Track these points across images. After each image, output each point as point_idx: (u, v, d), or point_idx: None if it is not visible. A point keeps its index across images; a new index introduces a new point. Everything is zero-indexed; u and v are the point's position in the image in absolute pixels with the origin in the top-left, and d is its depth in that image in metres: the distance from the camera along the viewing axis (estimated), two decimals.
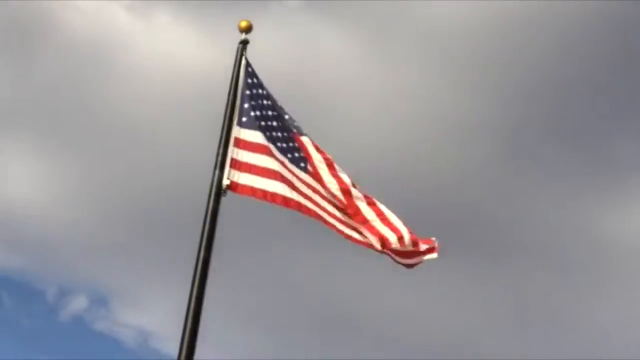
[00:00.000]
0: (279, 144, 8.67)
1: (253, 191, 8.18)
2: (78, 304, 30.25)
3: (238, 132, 8.44)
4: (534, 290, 28.07)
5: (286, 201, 8.28)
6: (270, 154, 8.46)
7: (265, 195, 8.20)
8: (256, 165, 8.31)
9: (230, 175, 8.12)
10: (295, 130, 8.98)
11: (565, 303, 28.30)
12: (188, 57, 26.21)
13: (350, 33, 27.78)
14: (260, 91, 8.85)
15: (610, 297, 27.87)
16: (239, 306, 25.00)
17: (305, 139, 8.99)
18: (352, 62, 26.92)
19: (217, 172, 8.06)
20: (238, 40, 9.02)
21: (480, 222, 27.61)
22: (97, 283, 29.90)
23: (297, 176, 8.62)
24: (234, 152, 8.28)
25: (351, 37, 27.70)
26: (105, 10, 27.95)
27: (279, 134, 8.76)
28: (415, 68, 27.83)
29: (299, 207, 8.36)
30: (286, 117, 8.99)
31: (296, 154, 8.79)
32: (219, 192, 7.94)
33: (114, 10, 27.91)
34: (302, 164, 8.78)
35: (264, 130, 8.59)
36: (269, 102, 8.87)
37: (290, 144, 8.81)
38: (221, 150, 8.22)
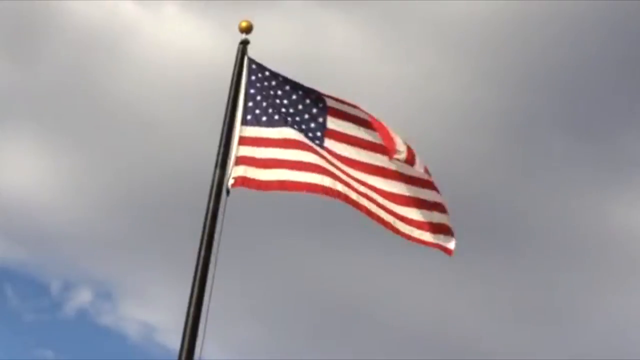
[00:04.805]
0: (296, 126, 8.68)
1: (266, 184, 8.22)
2: (82, 297, 30.30)
3: (243, 130, 8.44)
4: (541, 285, 28.05)
5: (297, 186, 8.29)
6: (281, 145, 8.49)
7: (278, 184, 8.25)
8: (264, 158, 8.31)
9: (236, 172, 8.12)
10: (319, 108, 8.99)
11: (574, 298, 28.28)
12: (195, 49, 26.20)
13: (357, 25, 27.74)
14: (271, 83, 8.85)
15: (622, 292, 27.79)
16: (239, 303, 25.06)
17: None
18: (359, 54, 26.87)
19: (217, 171, 8.08)
20: (242, 37, 9.00)
21: (487, 214, 27.52)
22: (101, 277, 29.95)
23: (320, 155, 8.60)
24: (239, 150, 8.28)
25: (358, 28, 27.67)
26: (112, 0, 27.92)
27: (298, 118, 8.77)
28: (423, 59, 27.79)
29: (315, 188, 8.32)
30: (307, 101, 8.95)
31: (320, 133, 8.81)
32: (219, 190, 7.96)
33: (121, 0, 27.90)
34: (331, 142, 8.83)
35: (273, 122, 8.60)
36: (280, 92, 8.85)
37: (316, 122, 8.84)
38: (222, 149, 8.24)
